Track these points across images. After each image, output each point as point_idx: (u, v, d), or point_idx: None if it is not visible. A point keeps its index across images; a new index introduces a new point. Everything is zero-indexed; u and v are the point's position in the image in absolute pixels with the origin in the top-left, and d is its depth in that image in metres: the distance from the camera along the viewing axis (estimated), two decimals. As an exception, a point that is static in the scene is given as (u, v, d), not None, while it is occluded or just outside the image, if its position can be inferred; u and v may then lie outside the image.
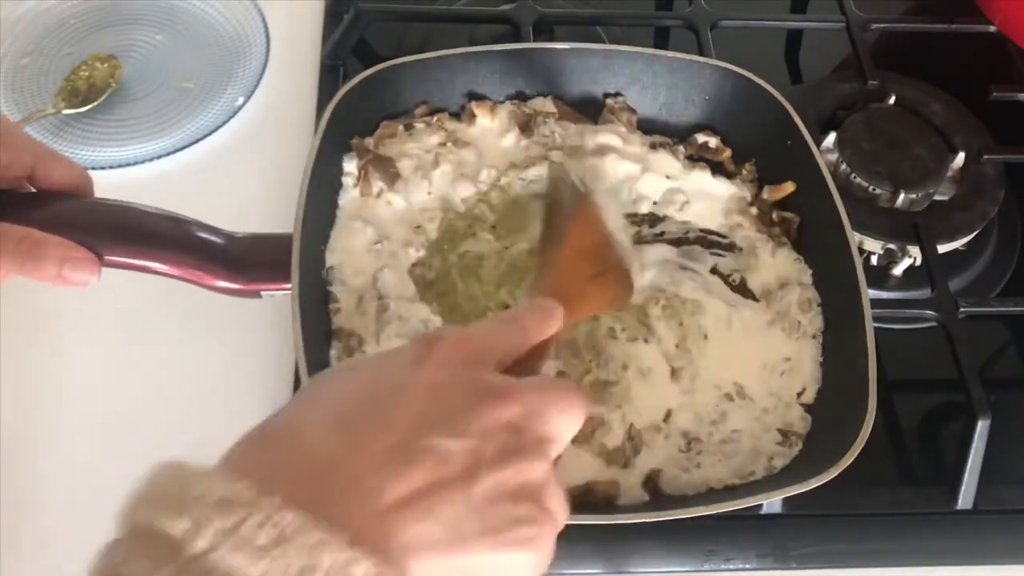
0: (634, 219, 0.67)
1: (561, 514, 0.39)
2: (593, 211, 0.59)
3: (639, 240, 0.66)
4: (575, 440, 0.44)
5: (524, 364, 0.43)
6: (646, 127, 0.72)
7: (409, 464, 0.35)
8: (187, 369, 0.67)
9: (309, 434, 0.37)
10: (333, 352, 0.60)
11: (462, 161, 0.68)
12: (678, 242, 0.66)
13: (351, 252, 0.63)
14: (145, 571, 0.32)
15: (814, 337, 0.63)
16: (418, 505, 0.35)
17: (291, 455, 0.36)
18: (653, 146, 0.70)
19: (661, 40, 0.89)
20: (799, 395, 0.61)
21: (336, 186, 0.65)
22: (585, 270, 0.53)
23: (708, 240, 0.66)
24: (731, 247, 0.66)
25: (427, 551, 0.34)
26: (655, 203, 0.68)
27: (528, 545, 0.37)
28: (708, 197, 0.68)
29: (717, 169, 0.70)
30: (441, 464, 0.36)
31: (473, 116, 0.70)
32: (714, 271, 0.65)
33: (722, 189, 0.68)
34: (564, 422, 0.40)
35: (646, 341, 0.62)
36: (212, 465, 0.36)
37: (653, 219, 0.67)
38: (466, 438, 0.37)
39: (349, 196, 0.66)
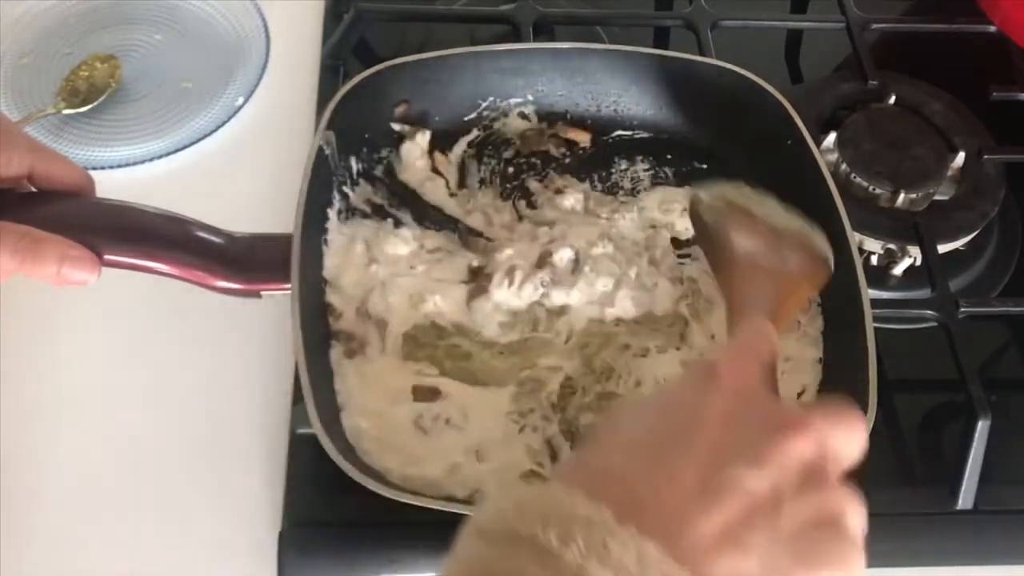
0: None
1: (862, 541, 0.39)
2: (741, 214, 0.58)
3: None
4: None
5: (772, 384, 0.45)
6: (646, 128, 0.72)
7: (718, 498, 0.36)
8: (187, 369, 0.67)
9: (623, 471, 0.38)
10: (333, 354, 0.60)
11: None
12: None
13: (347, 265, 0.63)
14: (520, 571, 0.35)
15: (814, 337, 0.63)
16: (733, 538, 0.36)
17: (609, 491, 0.37)
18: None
19: (661, 40, 0.89)
20: (799, 395, 0.61)
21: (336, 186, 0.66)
22: (765, 271, 0.53)
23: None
24: None
25: None
26: None
27: (839, 567, 0.37)
28: None
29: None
30: (748, 496, 0.37)
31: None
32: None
33: None
34: (852, 446, 0.40)
35: (677, 349, 0.62)
36: (566, 486, 0.37)
37: None
38: (768, 468, 0.37)
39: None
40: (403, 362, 0.60)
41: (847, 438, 0.40)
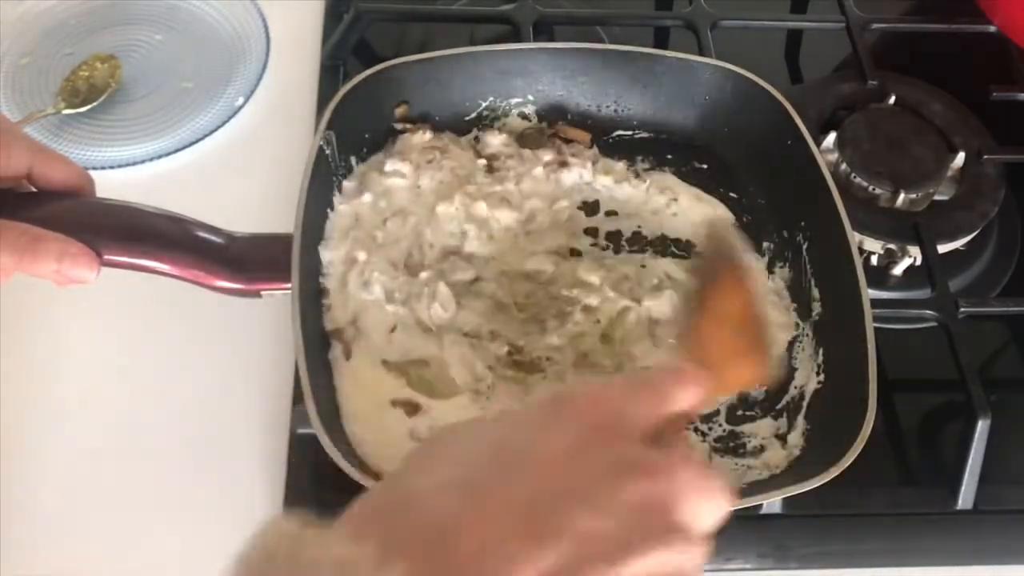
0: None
1: None
2: (745, 280, 0.54)
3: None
4: None
5: (658, 436, 0.39)
6: (646, 127, 0.72)
7: (545, 538, 0.32)
8: (187, 369, 0.67)
9: (431, 497, 0.34)
10: (332, 354, 0.60)
11: None
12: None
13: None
14: None
15: (814, 336, 0.63)
16: None
17: (412, 519, 0.33)
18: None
19: (661, 40, 0.89)
20: (799, 395, 0.61)
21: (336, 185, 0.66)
22: (728, 342, 0.49)
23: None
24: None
25: None
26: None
27: None
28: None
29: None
30: (583, 543, 0.33)
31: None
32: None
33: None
34: (711, 509, 0.36)
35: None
36: (328, 526, 0.34)
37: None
38: (609, 517, 0.34)
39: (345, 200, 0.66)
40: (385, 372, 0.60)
41: (708, 500, 0.36)
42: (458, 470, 0.35)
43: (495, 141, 0.70)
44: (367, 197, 0.65)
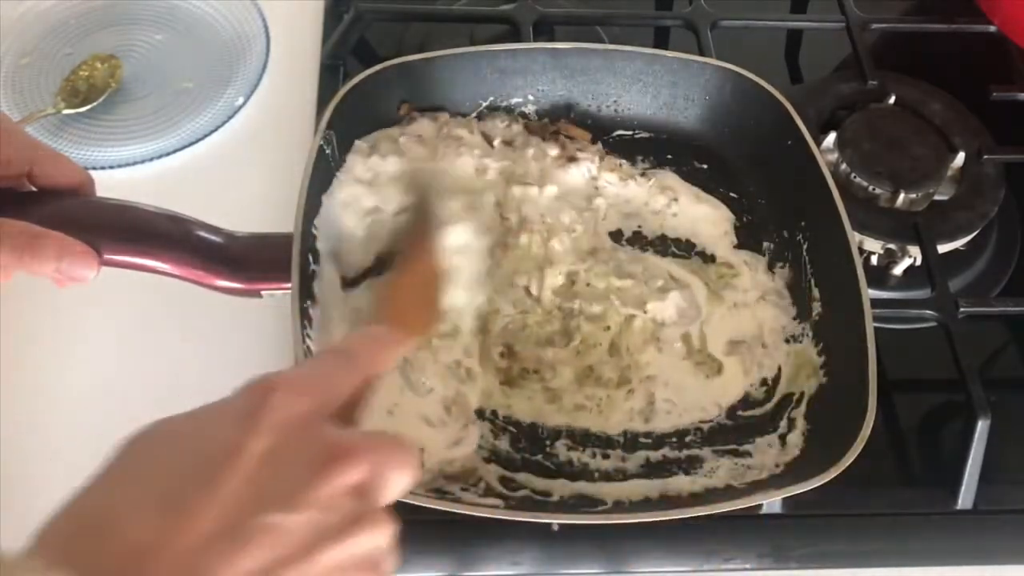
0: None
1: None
2: (433, 235, 0.58)
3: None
4: None
5: (352, 406, 0.41)
6: (646, 127, 0.72)
7: (243, 544, 0.33)
8: (187, 369, 0.67)
9: (126, 516, 0.33)
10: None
11: None
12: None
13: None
14: None
15: (814, 336, 0.63)
16: None
17: (107, 541, 0.33)
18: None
19: (661, 40, 0.89)
20: (799, 395, 0.61)
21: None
22: (417, 296, 0.52)
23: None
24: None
25: None
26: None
27: None
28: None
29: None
30: (278, 542, 0.34)
31: None
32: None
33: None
34: (402, 482, 0.38)
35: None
36: (19, 552, 0.32)
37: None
38: (306, 511, 0.34)
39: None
40: None
41: (399, 475, 0.37)
42: (154, 483, 0.35)
43: (502, 126, 0.70)
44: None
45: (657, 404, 0.61)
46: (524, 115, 0.72)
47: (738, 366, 0.62)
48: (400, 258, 0.57)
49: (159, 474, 0.35)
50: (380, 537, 0.37)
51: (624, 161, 0.71)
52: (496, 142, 0.69)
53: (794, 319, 0.64)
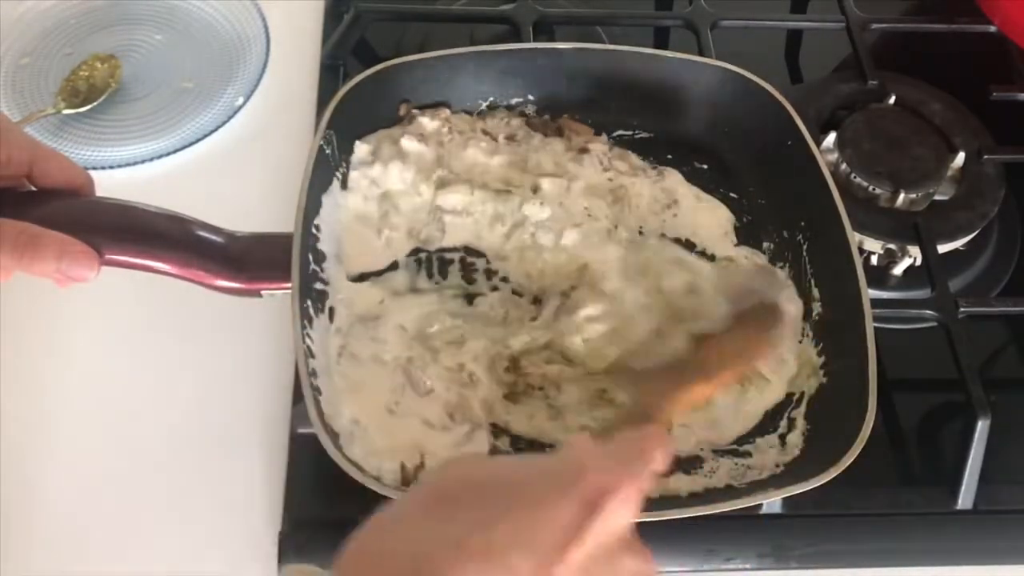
0: None
1: None
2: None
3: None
4: None
5: None
6: (646, 128, 0.72)
7: None
8: (187, 369, 0.67)
9: (429, 558, 0.34)
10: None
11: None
12: None
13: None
14: None
15: (814, 336, 0.63)
16: None
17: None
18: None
19: (661, 40, 0.89)
20: (799, 395, 0.61)
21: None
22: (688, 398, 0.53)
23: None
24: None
25: None
26: None
27: None
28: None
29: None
30: None
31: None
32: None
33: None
34: None
35: None
36: None
37: None
38: None
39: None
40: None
41: None
42: (453, 527, 0.35)
43: (502, 122, 0.71)
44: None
45: (675, 431, 0.59)
46: (524, 115, 0.72)
47: (763, 365, 0.62)
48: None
49: (460, 519, 0.36)
50: None
51: (632, 153, 0.71)
52: (500, 138, 0.69)
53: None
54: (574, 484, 0.37)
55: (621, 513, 0.38)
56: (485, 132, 0.70)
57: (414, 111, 0.70)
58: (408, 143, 0.67)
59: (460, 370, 0.60)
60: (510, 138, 0.70)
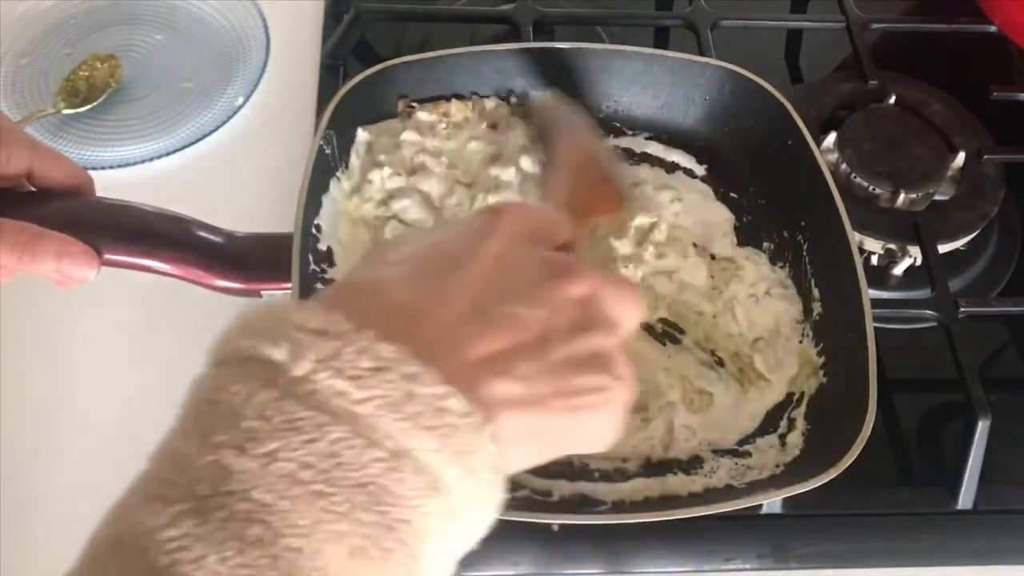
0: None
1: (630, 382, 0.40)
2: (585, 128, 0.59)
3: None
4: None
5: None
6: (646, 128, 0.72)
7: (489, 327, 0.37)
8: (187, 369, 0.66)
9: (392, 283, 0.38)
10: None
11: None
12: None
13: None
14: (247, 393, 0.33)
15: (814, 336, 0.63)
16: (499, 364, 0.36)
17: (377, 300, 0.37)
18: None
19: (661, 40, 0.89)
20: (799, 395, 0.61)
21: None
22: (583, 180, 0.54)
23: None
24: None
25: (508, 406, 0.36)
26: None
27: (600, 409, 0.39)
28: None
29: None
30: (518, 330, 0.37)
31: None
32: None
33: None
34: (627, 310, 0.41)
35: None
36: (305, 301, 0.37)
37: None
38: (540, 308, 0.38)
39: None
40: None
41: (624, 302, 0.40)
42: (411, 265, 0.39)
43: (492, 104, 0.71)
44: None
45: (676, 431, 0.59)
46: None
47: (762, 365, 0.62)
48: (550, 146, 0.58)
49: (413, 259, 0.39)
50: (607, 341, 0.39)
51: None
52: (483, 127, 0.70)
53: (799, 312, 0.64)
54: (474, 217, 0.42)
55: (515, 212, 0.41)
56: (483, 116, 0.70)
57: (412, 105, 0.70)
58: (409, 136, 0.67)
59: None
60: (492, 126, 0.70)
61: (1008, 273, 0.75)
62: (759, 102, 0.69)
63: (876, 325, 0.58)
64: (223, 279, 0.55)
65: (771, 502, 0.59)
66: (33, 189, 0.53)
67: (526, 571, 0.59)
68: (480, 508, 0.36)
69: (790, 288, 0.65)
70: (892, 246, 0.73)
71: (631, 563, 0.60)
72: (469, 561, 0.60)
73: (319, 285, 0.60)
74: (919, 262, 0.72)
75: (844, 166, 0.75)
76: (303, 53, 0.84)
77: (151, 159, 0.76)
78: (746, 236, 0.68)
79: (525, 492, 0.56)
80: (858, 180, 0.75)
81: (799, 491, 0.53)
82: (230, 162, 0.78)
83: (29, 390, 0.65)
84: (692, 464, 0.58)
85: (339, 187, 0.65)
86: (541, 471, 0.58)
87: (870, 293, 0.59)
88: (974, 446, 0.62)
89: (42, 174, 0.53)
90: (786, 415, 0.60)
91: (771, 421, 0.60)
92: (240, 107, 0.80)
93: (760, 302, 0.64)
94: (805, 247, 0.66)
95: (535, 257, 0.40)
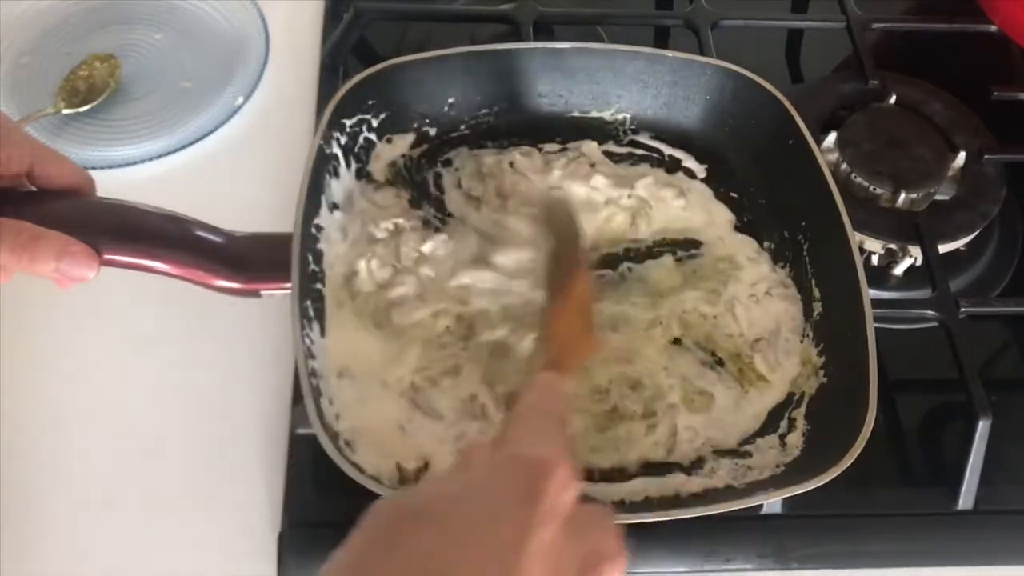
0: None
1: None
2: (587, 257, 0.58)
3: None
4: None
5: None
6: (646, 127, 0.72)
7: None
8: (187, 369, 0.66)
9: None
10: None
11: None
12: None
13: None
14: None
15: (814, 336, 0.63)
16: None
17: None
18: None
19: (661, 40, 0.89)
20: (799, 395, 0.61)
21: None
22: (576, 323, 0.53)
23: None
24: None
25: None
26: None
27: None
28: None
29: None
30: None
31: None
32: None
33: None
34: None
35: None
36: None
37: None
38: None
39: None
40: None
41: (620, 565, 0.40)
42: (436, 563, 0.34)
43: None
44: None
45: (680, 434, 0.59)
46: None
47: (762, 366, 0.62)
48: (552, 286, 0.56)
49: (440, 557, 0.34)
50: None
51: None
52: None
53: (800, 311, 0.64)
54: (509, 481, 0.38)
55: (559, 485, 0.38)
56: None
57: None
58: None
59: (472, 401, 0.59)
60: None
61: (1009, 273, 0.75)
62: (759, 102, 0.69)
63: (876, 325, 0.58)
64: (223, 279, 0.55)
65: (771, 502, 0.59)
66: (33, 189, 0.53)
67: (526, 571, 0.59)
68: None
69: (790, 288, 0.65)
70: (893, 246, 0.73)
71: (631, 563, 0.60)
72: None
73: (319, 285, 0.60)
74: (920, 262, 0.72)
75: (844, 166, 0.75)
76: (303, 53, 0.84)
77: (151, 159, 0.76)
78: (746, 236, 0.68)
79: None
80: (858, 180, 0.75)
81: (799, 491, 0.53)
82: (230, 162, 0.77)
83: (29, 390, 0.65)
84: (692, 464, 0.58)
85: (337, 188, 0.65)
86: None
87: (871, 293, 0.59)
88: (974, 446, 0.62)
89: (42, 174, 0.53)
90: (786, 415, 0.60)
91: (771, 421, 0.60)
92: (240, 107, 0.79)
93: (760, 302, 0.64)
94: (805, 247, 0.66)
95: (582, 544, 0.38)
